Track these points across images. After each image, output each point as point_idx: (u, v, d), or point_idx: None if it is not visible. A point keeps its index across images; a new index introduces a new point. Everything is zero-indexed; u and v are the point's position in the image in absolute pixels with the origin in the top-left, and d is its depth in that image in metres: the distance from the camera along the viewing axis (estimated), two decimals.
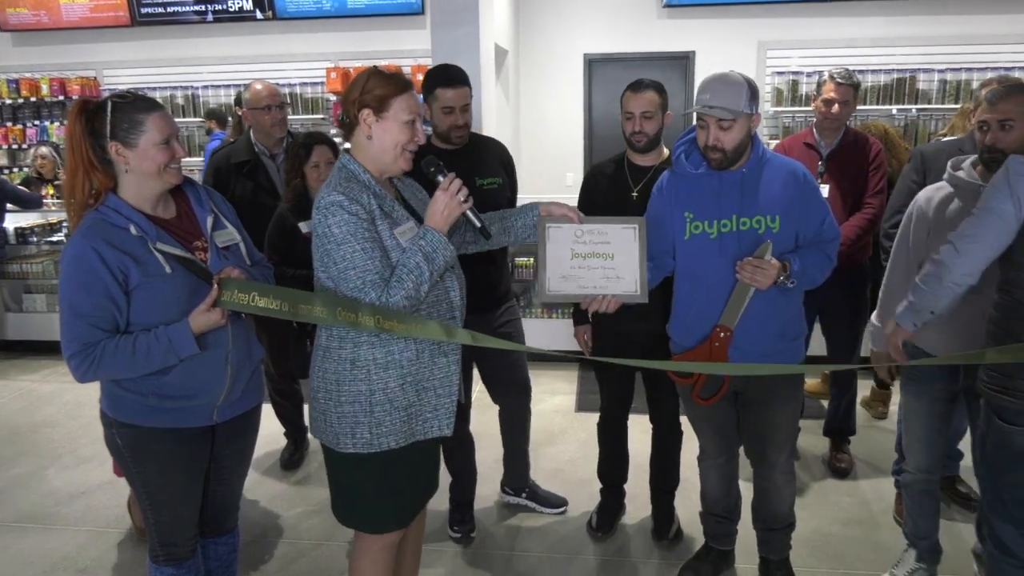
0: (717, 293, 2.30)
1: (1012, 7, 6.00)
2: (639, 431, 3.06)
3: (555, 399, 4.50)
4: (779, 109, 6.33)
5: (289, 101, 6.54)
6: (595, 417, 3.06)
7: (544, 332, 4.80)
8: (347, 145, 2.02)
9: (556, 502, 3.25)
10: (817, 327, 3.46)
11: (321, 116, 6.75)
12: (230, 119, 5.63)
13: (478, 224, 2.01)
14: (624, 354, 2.81)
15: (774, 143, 4.05)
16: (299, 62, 6.78)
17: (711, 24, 6.43)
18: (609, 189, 2.74)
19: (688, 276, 2.38)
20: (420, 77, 6.14)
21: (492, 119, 4.95)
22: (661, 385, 2.85)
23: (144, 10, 6.81)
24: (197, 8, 6.76)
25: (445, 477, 2.96)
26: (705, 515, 2.73)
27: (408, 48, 6.46)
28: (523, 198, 3.12)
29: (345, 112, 1.94)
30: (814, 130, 3.36)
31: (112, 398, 1.94)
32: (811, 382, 4.35)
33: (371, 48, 6.58)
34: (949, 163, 2.40)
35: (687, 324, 2.41)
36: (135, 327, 1.85)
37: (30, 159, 6.22)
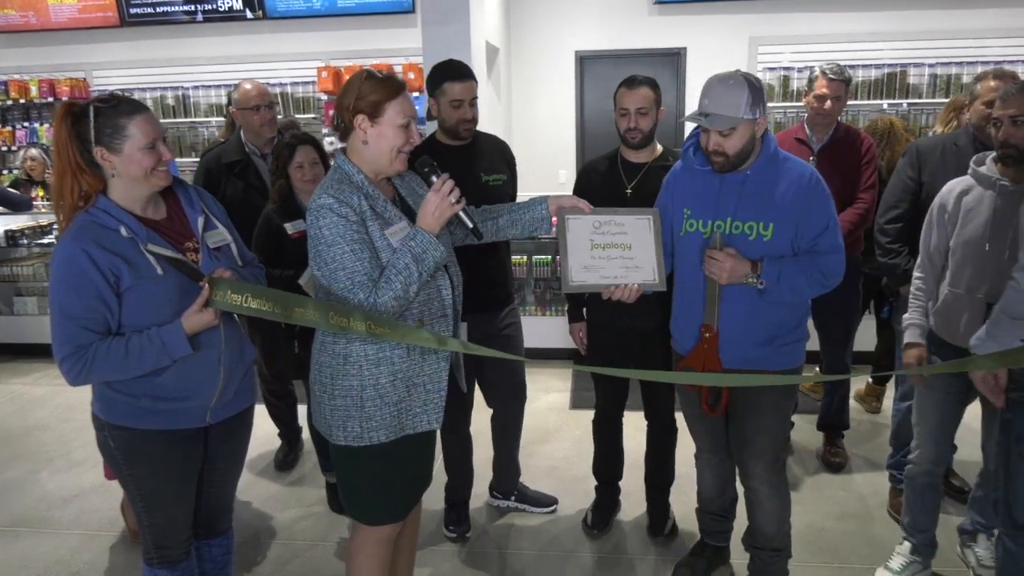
0: (696, 288, 2.30)
1: (999, 1, 6.02)
2: (634, 428, 3.06)
3: (549, 397, 4.50)
4: (771, 104, 6.32)
5: (279, 101, 6.52)
6: (590, 414, 3.06)
7: (539, 330, 4.80)
8: (340, 144, 2.02)
9: (546, 502, 3.25)
10: (810, 322, 3.45)
11: (312, 115, 6.73)
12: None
13: (470, 225, 2.03)
14: (620, 351, 2.82)
15: None
16: (290, 61, 6.75)
17: (702, 20, 6.43)
18: (603, 186, 2.73)
19: (681, 273, 2.38)
20: (411, 76, 6.20)
21: (484, 117, 4.91)
22: (656, 382, 2.85)
23: (133, 10, 6.76)
24: (187, 8, 6.72)
25: (440, 477, 2.96)
26: (700, 512, 2.73)
27: (399, 47, 6.44)
28: (517, 195, 3.13)
29: (340, 117, 1.95)
30: (805, 125, 3.37)
31: (104, 400, 1.93)
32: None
33: (362, 47, 6.56)
34: (972, 159, 2.42)
35: (681, 323, 2.41)
36: (127, 329, 1.84)
37: (19, 161, 6.18)
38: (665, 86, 6.90)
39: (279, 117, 3.71)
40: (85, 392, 1.98)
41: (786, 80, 6.31)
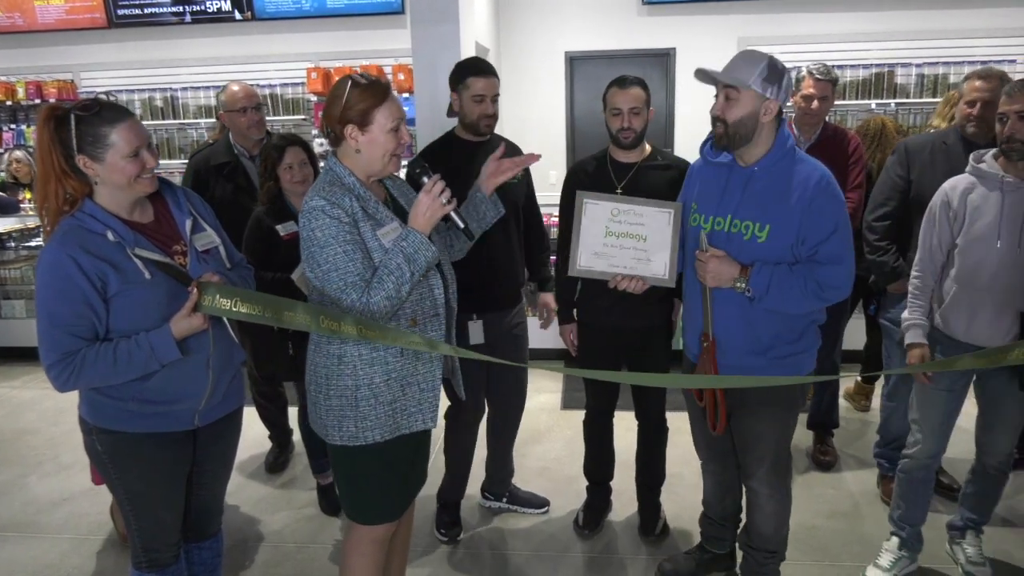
0: (698, 293, 2.28)
1: (987, 1, 6.06)
2: (624, 428, 3.07)
3: (541, 397, 4.50)
4: None
5: (265, 102, 6.49)
6: (581, 415, 3.06)
7: (530, 330, 4.78)
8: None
9: (538, 503, 3.25)
10: None
11: (302, 117, 6.71)
12: None
13: (461, 225, 2.04)
14: (611, 352, 2.82)
15: None
16: (279, 63, 6.72)
17: (691, 20, 6.45)
18: (592, 186, 2.72)
19: (688, 272, 2.33)
20: (401, 77, 6.18)
21: None
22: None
23: (121, 12, 6.73)
24: (175, 9, 6.68)
25: (433, 478, 2.95)
26: (702, 515, 2.74)
27: (389, 48, 6.42)
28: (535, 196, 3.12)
29: (329, 128, 1.95)
30: (793, 125, 3.38)
31: (91, 404, 1.92)
32: None
33: (351, 48, 6.54)
34: (971, 156, 2.44)
35: (688, 327, 2.39)
36: (115, 334, 1.83)
37: (4, 163, 6.14)
38: (655, 86, 6.91)
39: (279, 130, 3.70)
40: (74, 396, 1.96)
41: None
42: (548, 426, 4.10)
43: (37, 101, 6.93)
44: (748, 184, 2.17)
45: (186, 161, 4.34)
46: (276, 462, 3.66)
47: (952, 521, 2.77)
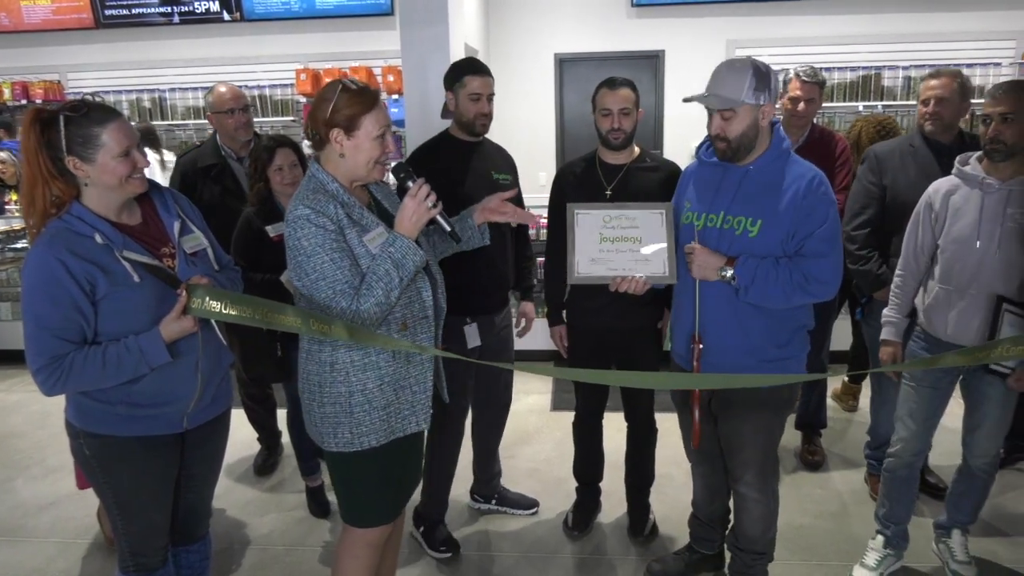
0: (689, 295, 2.27)
1: (973, 5, 6.11)
2: (614, 429, 3.07)
3: (530, 398, 4.50)
4: None
5: (253, 104, 6.47)
6: (570, 416, 3.07)
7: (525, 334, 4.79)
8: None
9: (527, 504, 3.25)
10: None
11: (291, 118, 6.69)
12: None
13: (447, 228, 2.05)
14: (600, 354, 2.83)
15: None
16: (268, 64, 6.71)
17: (680, 23, 6.47)
18: (581, 188, 2.74)
19: (681, 272, 2.33)
20: (391, 78, 6.17)
21: None
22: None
23: (108, 12, 6.69)
24: (163, 10, 6.66)
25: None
26: (691, 516, 2.75)
27: (378, 49, 6.41)
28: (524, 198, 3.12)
29: (315, 130, 1.95)
30: (781, 127, 3.39)
31: (79, 408, 1.90)
32: None
33: (341, 49, 6.53)
34: (957, 159, 2.48)
35: (676, 329, 2.39)
36: (103, 337, 1.82)
37: None
38: (644, 88, 6.92)
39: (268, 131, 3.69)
40: (61, 398, 1.95)
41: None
42: (537, 427, 4.10)
43: (23, 102, 6.88)
44: (743, 182, 2.20)
45: (173, 163, 4.31)
46: (265, 465, 3.65)
47: (939, 521, 2.79)
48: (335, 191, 1.93)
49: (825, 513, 3.17)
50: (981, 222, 2.35)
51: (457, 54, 4.62)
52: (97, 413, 1.88)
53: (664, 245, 2.30)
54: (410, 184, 1.98)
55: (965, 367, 2.47)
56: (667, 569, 2.74)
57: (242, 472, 3.65)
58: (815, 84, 3.27)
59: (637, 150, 2.76)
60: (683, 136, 6.04)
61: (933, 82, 2.93)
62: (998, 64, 6.07)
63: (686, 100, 2.25)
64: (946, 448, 3.09)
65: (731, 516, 2.59)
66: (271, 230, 2.85)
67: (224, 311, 1.82)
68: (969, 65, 6.02)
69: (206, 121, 6.57)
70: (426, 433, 2.15)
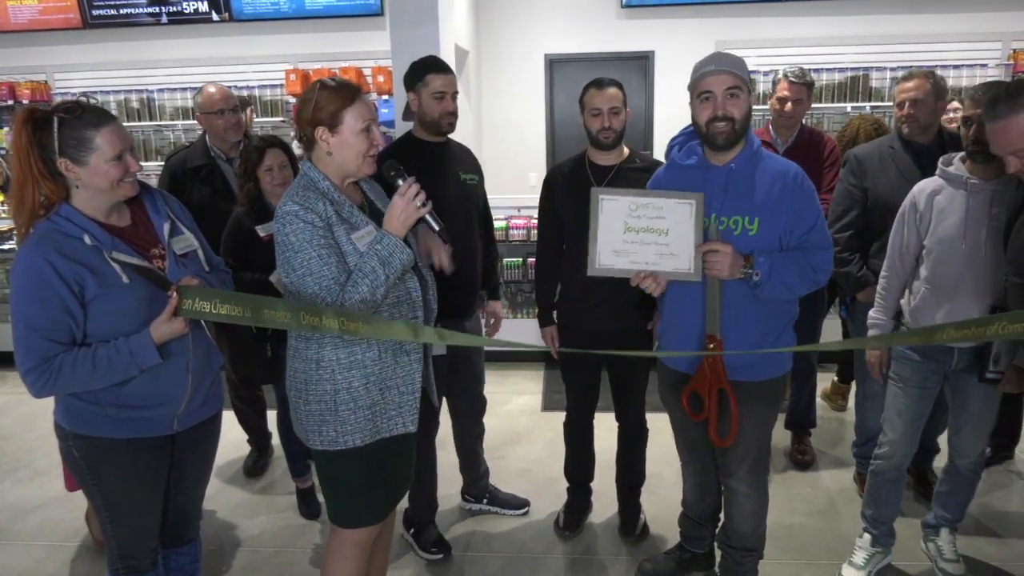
0: (695, 296, 2.24)
1: (959, 7, 6.16)
2: (605, 429, 3.08)
3: (521, 399, 4.50)
4: None
5: (253, 103, 6.44)
6: (561, 416, 3.07)
7: (510, 331, 4.78)
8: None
9: (517, 504, 3.25)
10: None
11: (281, 119, 6.67)
12: None
13: (436, 227, 2.05)
14: (591, 356, 2.83)
15: None
16: (257, 64, 6.68)
17: (669, 24, 6.49)
18: (571, 190, 2.74)
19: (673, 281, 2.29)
20: (381, 79, 6.16)
21: None
22: (626, 384, 2.87)
23: (96, 12, 6.64)
24: (151, 10, 6.62)
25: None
26: (682, 515, 2.75)
27: (368, 49, 6.40)
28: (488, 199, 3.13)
29: (301, 131, 1.97)
30: (771, 128, 3.42)
31: (68, 409, 1.89)
32: None
33: (330, 50, 6.51)
34: (940, 160, 2.49)
35: (675, 336, 2.34)
36: (92, 339, 1.81)
37: None
38: (634, 89, 6.94)
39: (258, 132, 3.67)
40: (49, 401, 1.93)
41: (752, 83, 6.39)
42: (528, 428, 4.11)
43: (10, 102, 6.83)
44: (728, 182, 2.20)
45: (162, 163, 4.30)
46: (255, 466, 3.64)
47: (927, 520, 2.80)
48: (325, 189, 1.94)
49: (814, 512, 3.19)
50: (967, 222, 2.36)
51: (447, 54, 4.63)
52: (86, 415, 1.87)
53: (692, 239, 2.15)
54: (400, 182, 1.98)
55: (955, 368, 2.49)
56: (658, 568, 2.75)
57: (232, 474, 3.63)
58: (803, 85, 3.29)
59: (627, 151, 2.76)
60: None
61: (907, 84, 2.95)
62: (984, 65, 6.11)
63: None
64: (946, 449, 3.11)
65: (721, 515, 2.60)
66: (261, 230, 2.85)
67: (215, 311, 1.82)
68: (956, 66, 6.07)
69: (194, 122, 6.57)
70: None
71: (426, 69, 2.71)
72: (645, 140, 6.56)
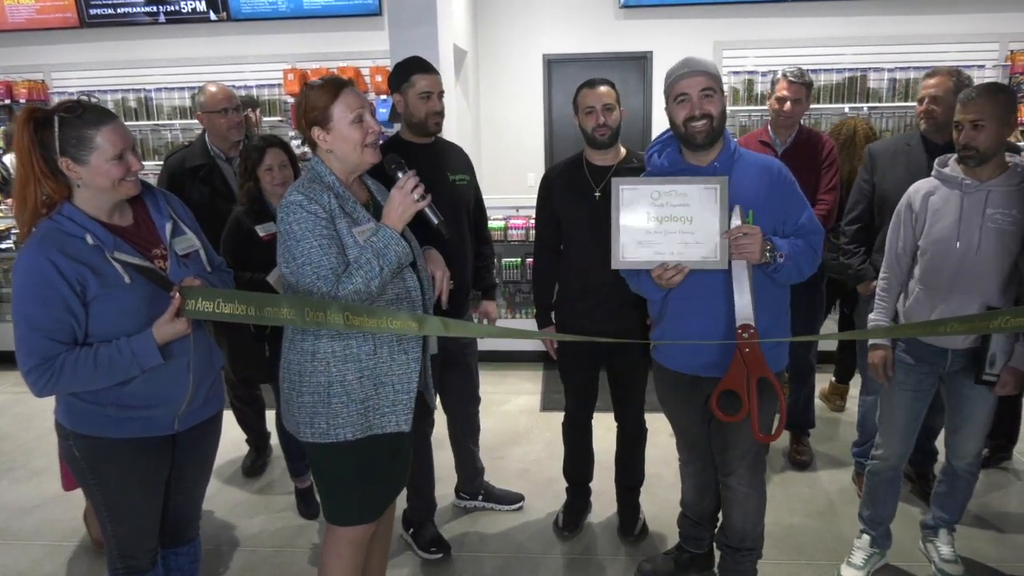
0: (698, 296, 2.21)
1: (956, 8, 6.18)
2: (603, 429, 3.08)
3: (520, 399, 4.50)
4: (735, 108, 6.42)
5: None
6: (560, 416, 3.07)
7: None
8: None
9: (512, 499, 3.26)
10: None
11: (279, 118, 6.67)
12: None
13: (435, 221, 2.06)
14: (590, 356, 2.83)
15: None
16: (255, 64, 6.68)
17: (668, 24, 6.50)
18: (569, 191, 2.74)
19: (685, 281, 2.22)
20: (379, 79, 6.16)
21: (452, 120, 4.93)
22: (625, 384, 2.88)
23: (93, 11, 6.64)
24: (148, 9, 6.61)
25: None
26: (680, 515, 2.75)
27: (366, 49, 6.40)
28: (485, 199, 3.13)
29: (302, 135, 2.02)
30: (769, 128, 3.42)
31: (69, 409, 1.89)
32: None
33: (328, 49, 6.51)
34: (936, 161, 2.49)
35: (694, 332, 2.26)
36: (94, 338, 1.81)
37: None
38: (632, 89, 6.95)
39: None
40: (47, 401, 1.93)
41: (750, 84, 6.40)
42: (527, 428, 4.11)
43: (7, 101, 6.82)
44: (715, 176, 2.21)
45: (160, 163, 4.29)
46: (253, 466, 3.63)
47: (925, 520, 2.81)
48: (331, 182, 1.96)
49: (813, 512, 3.19)
50: (961, 223, 2.36)
51: (446, 54, 4.63)
52: (87, 414, 1.86)
53: (717, 226, 2.10)
54: (400, 175, 2.00)
55: (950, 369, 2.49)
56: (657, 569, 2.75)
57: (231, 474, 3.63)
58: (802, 85, 3.29)
59: (624, 151, 2.76)
60: None
61: (929, 81, 2.96)
62: (981, 66, 6.13)
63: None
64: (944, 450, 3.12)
65: (720, 515, 2.60)
66: (261, 230, 2.84)
67: (218, 310, 1.82)
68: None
69: (192, 121, 6.59)
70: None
71: (411, 70, 2.70)
72: (643, 141, 6.57)
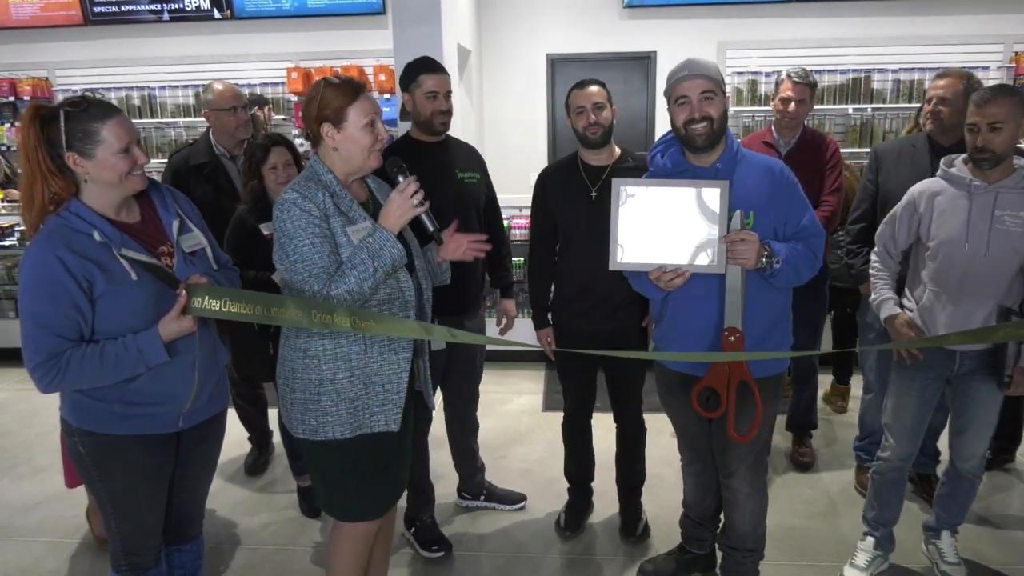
0: (699, 296, 2.22)
1: (961, 9, 6.16)
2: (604, 429, 3.08)
3: (522, 399, 4.50)
4: (739, 109, 6.41)
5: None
6: (562, 416, 3.07)
7: (514, 330, 4.78)
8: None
9: (514, 498, 3.27)
10: None
11: (282, 117, 6.67)
12: None
13: (431, 228, 2.08)
14: (587, 357, 2.81)
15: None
16: (259, 62, 6.68)
17: (672, 24, 6.49)
18: (564, 191, 2.74)
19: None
20: (383, 78, 6.16)
21: (456, 119, 4.91)
22: (623, 385, 2.87)
23: (97, 9, 6.64)
24: (152, 7, 6.61)
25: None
26: (683, 516, 2.75)
27: (370, 48, 6.40)
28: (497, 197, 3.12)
29: (308, 129, 2.01)
30: (773, 129, 3.42)
31: (75, 405, 1.89)
32: None
33: (332, 48, 6.51)
34: (942, 161, 2.49)
35: (683, 333, 2.29)
36: (100, 335, 1.81)
37: None
38: (636, 89, 6.94)
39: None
40: (48, 397, 1.94)
41: (754, 84, 6.39)
42: (529, 428, 4.11)
43: (11, 99, 6.83)
44: (717, 178, 2.20)
45: (165, 161, 4.30)
46: (256, 464, 3.64)
47: (927, 522, 2.81)
48: (328, 181, 1.98)
49: (815, 514, 3.19)
50: (969, 224, 2.36)
51: (449, 54, 4.63)
52: (93, 411, 1.87)
53: (716, 231, 2.09)
54: (400, 179, 2.01)
55: (959, 372, 2.49)
56: (659, 569, 2.75)
57: (233, 472, 3.63)
58: (806, 85, 3.29)
59: (619, 150, 2.75)
60: None
61: (939, 82, 2.94)
62: (986, 68, 6.11)
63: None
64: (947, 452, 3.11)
65: (722, 516, 2.60)
66: (265, 228, 2.84)
67: (224, 309, 1.83)
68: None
69: (196, 119, 6.60)
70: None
71: (419, 70, 2.73)
72: (647, 140, 6.56)
